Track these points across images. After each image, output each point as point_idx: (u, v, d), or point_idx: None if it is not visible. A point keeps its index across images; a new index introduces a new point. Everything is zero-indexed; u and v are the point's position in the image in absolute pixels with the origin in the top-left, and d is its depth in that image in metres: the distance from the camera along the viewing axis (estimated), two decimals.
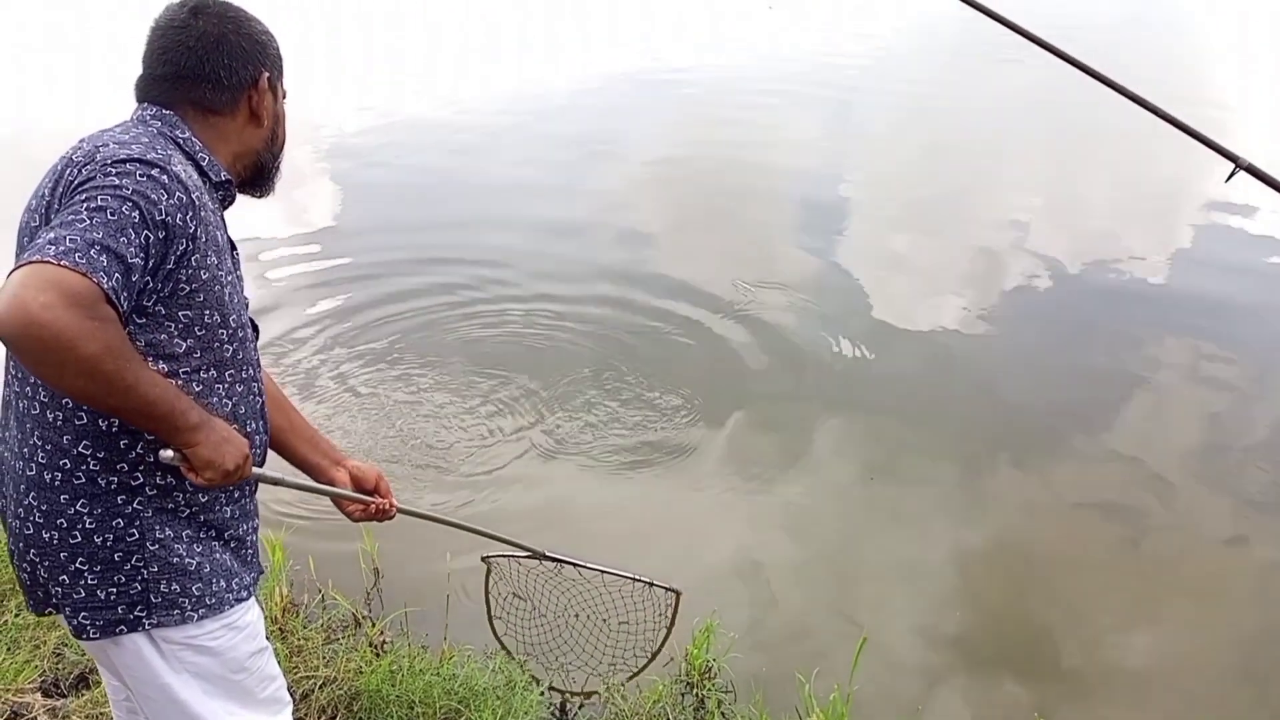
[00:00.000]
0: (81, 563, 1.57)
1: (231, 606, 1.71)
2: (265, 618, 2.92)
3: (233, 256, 1.71)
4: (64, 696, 2.76)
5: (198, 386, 1.60)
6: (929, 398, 5.02)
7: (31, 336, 1.29)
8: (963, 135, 9.60)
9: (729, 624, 3.21)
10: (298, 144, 9.07)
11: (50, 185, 1.54)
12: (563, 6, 17.96)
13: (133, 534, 1.58)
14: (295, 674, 2.85)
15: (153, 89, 1.67)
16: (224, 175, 1.69)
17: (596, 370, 5.07)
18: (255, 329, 1.80)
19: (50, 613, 1.69)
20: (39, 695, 2.76)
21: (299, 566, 3.36)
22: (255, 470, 1.68)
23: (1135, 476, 4.34)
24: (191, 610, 1.64)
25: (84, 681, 2.78)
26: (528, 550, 2.89)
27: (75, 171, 1.49)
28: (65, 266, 1.30)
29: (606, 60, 12.83)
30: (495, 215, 7.23)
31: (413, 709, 2.76)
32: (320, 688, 2.85)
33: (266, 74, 1.72)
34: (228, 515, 1.71)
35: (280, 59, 1.77)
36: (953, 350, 5.44)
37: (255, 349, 1.77)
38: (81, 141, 1.59)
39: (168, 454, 1.52)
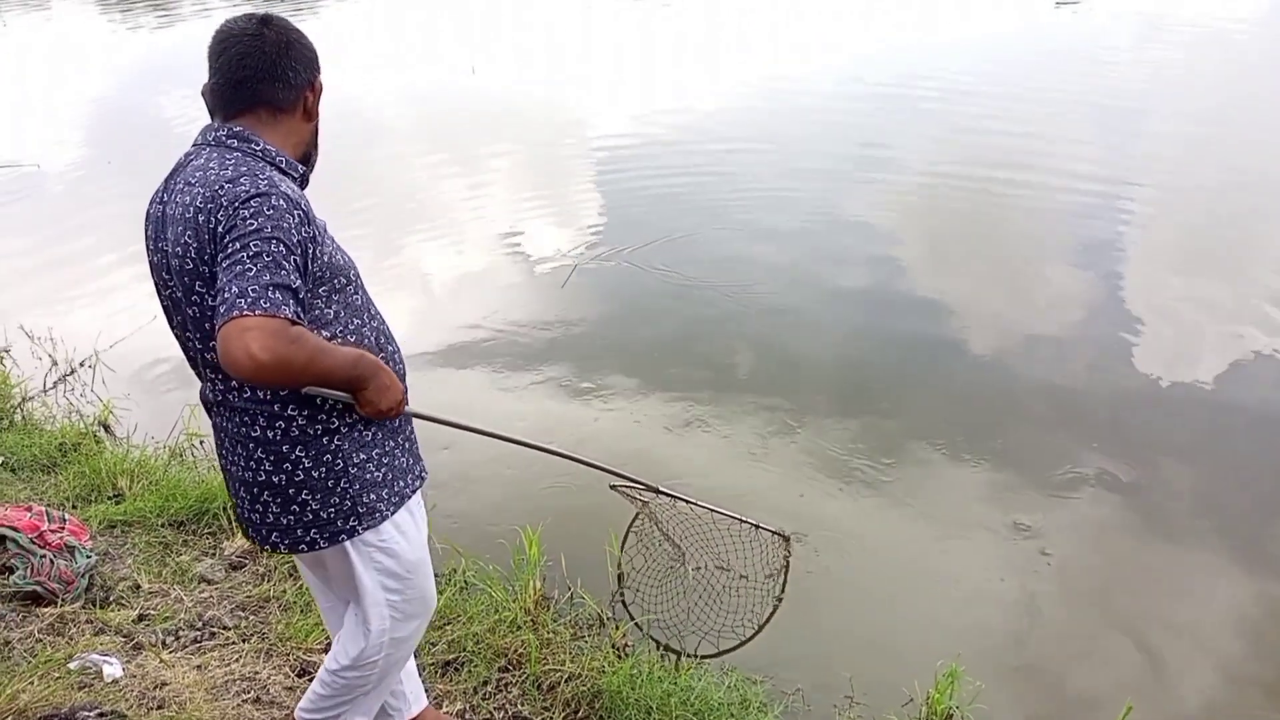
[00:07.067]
0: (306, 494, 2.02)
1: (410, 497, 2.16)
2: (520, 609, 3.13)
3: None
4: None
5: (353, 337, 1.99)
6: (1212, 442, 4.55)
7: (264, 371, 1.69)
8: (1265, 155, 8.62)
9: (976, 670, 3.06)
10: (576, 156, 9.42)
11: (191, 232, 1.85)
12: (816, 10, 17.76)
13: (338, 464, 2.02)
14: (544, 664, 3.01)
15: (232, 94, 1.95)
16: (300, 170, 2.02)
17: (844, 392, 5.01)
18: None
19: (271, 543, 2.10)
20: (324, 655, 3.07)
21: (551, 562, 3.53)
22: (408, 408, 2.09)
23: None
24: (386, 510, 2.10)
25: None
26: (644, 484, 3.29)
27: (211, 218, 1.82)
28: (259, 315, 1.68)
29: (868, 67, 12.53)
30: (746, 229, 7.27)
31: (649, 715, 2.83)
32: (565, 681, 2.98)
33: (319, 77, 2.04)
34: (400, 424, 2.15)
35: (321, 65, 2.06)
36: (1241, 391, 4.91)
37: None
38: (187, 186, 1.88)
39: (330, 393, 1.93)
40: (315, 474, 2.00)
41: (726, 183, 8.32)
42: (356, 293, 2.03)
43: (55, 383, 5.24)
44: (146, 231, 1.98)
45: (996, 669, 3.25)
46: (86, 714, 2.63)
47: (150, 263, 1.99)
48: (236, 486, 2.09)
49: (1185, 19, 15.02)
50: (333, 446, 2.00)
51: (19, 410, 4.74)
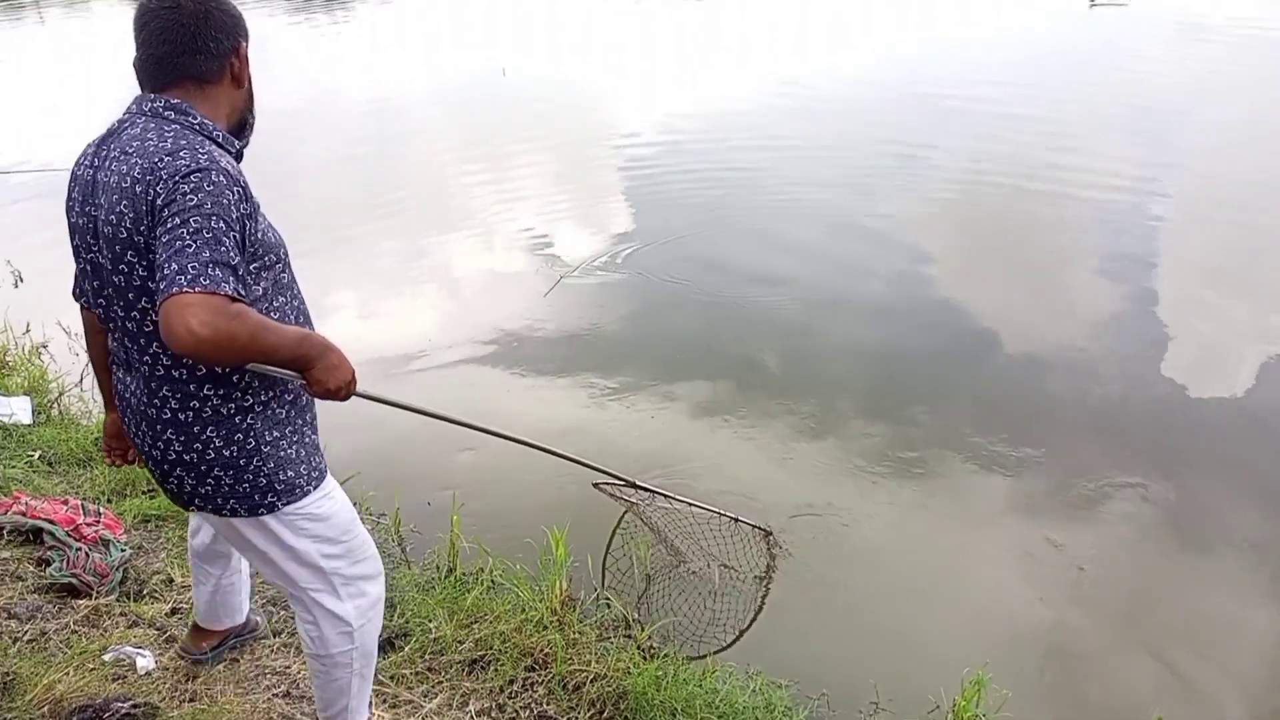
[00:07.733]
0: (219, 470, 2.02)
1: (325, 475, 2.18)
2: (546, 608, 3.14)
3: None
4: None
5: (276, 315, 1.98)
6: (1249, 456, 4.49)
7: (205, 346, 1.68)
8: None
9: (1003, 679, 3.04)
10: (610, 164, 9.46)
11: (127, 202, 1.83)
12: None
13: (250, 443, 2.02)
14: (570, 664, 3.02)
15: (155, 69, 1.93)
16: (236, 145, 2.01)
17: (872, 397, 5.00)
18: None
19: (194, 506, 2.12)
20: None
21: (578, 563, 3.54)
22: (358, 389, 2.04)
23: None
24: (306, 486, 2.11)
25: (390, 644, 3.09)
26: (625, 480, 3.33)
27: (149, 190, 1.79)
28: (200, 291, 1.67)
29: (895, 68, 12.47)
30: (774, 229, 7.27)
31: (674, 717, 2.83)
32: (591, 682, 2.98)
33: (244, 42, 2.00)
34: (306, 403, 2.13)
35: (247, 28, 2.03)
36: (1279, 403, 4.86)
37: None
38: (124, 154, 1.86)
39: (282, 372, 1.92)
40: (226, 453, 2.00)
41: (754, 184, 8.33)
42: (285, 271, 2.03)
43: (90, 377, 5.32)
44: (71, 192, 1.97)
45: (1024, 678, 3.23)
46: (120, 705, 2.67)
47: (72, 223, 1.99)
48: (146, 460, 2.11)
49: (1219, 22, 14.84)
50: (244, 425, 2.00)
51: (56, 405, 4.81)
